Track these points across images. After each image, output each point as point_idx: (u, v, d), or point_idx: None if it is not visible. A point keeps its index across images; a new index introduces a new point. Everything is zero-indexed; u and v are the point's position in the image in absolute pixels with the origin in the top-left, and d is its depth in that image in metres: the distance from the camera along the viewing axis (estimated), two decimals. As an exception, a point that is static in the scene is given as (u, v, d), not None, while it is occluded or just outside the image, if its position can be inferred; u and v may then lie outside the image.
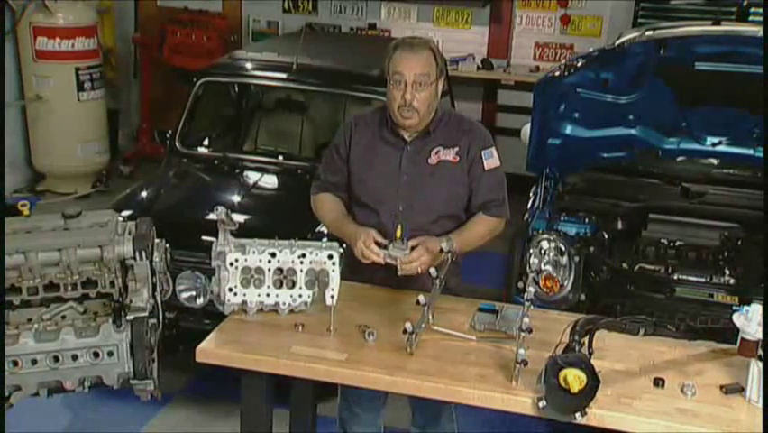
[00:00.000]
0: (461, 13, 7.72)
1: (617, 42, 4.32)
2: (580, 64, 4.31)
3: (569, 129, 4.50)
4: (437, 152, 2.96)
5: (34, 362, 2.45)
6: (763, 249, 3.63)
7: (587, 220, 3.93)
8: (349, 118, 3.22)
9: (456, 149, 2.96)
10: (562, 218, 3.95)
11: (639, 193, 4.34)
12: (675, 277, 3.71)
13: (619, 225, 4.04)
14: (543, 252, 3.75)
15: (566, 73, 4.35)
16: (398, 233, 2.80)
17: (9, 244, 2.50)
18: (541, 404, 2.28)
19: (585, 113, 4.44)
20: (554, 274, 3.71)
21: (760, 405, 2.29)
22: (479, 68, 7.55)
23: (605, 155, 4.56)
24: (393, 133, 2.98)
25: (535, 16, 7.61)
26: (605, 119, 4.47)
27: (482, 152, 2.98)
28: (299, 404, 3.22)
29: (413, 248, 2.79)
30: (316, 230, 3.89)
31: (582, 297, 3.70)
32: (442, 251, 2.80)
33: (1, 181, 2.61)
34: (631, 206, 4.17)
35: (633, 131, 4.49)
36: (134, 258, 2.55)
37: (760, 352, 2.41)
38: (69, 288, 2.56)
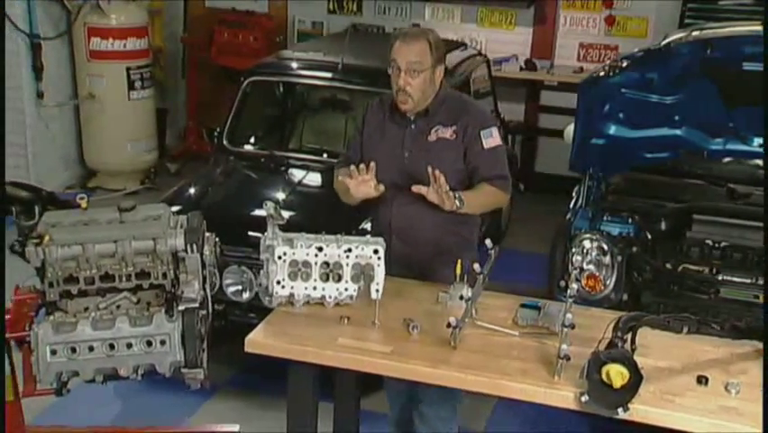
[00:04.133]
0: (505, 13, 7.72)
1: (663, 43, 4.30)
2: (625, 64, 4.30)
3: (613, 129, 4.49)
4: (437, 131, 3.17)
5: (91, 349, 2.54)
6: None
7: (630, 220, 3.92)
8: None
9: (454, 127, 3.16)
10: (605, 218, 3.95)
11: (684, 194, 4.31)
12: (720, 278, 3.69)
13: (663, 226, 4.02)
14: (585, 251, 3.75)
15: (611, 73, 4.35)
16: (458, 269, 2.87)
17: (68, 236, 2.61)
18: (583, 399, 2.30)
19: (629, 113, 4.42)
20: (597, 274, 3.71)
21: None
22: (522, 68, 7.54)
23: (649, 156, 4.54)
24: (399, 113, 3.20)
25: (580, 17, 7.57)
26: (649, 119, 4.44)
27: (481, 132, 3.15)
28: (343, 397, 3.28)
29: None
30: (360, 227, 3.95)
31: (625, 296, 3.70)
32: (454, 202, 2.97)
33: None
34: (675, 206, 4.15)
35: (678, 131, 4.46)
36: (186, 250, 2.63)
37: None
38: (124, 279, 2.65)
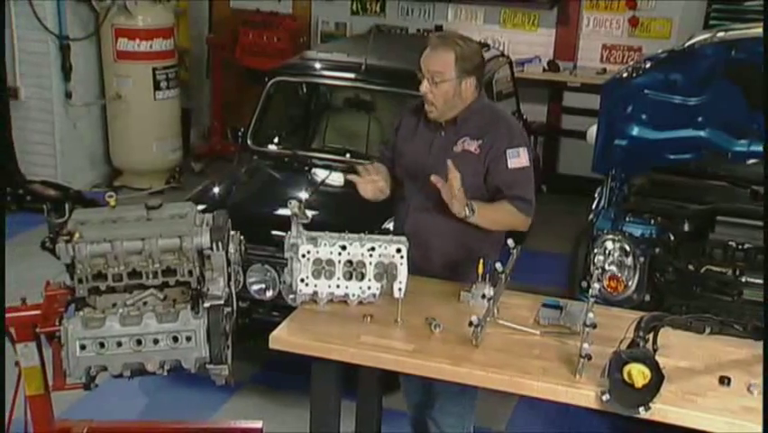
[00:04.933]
0: (527, 15, 7.72)
1: (688, 44, 4.29)
2: (648, 65, 4.30)
3: (636, 130, 4.49)
4: (463, 142, 3.11)
5: (119, 344, 2.59)
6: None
7: (653, 221, 3.92)
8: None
9: (480, 142, 3.09)
10: (627, 219, 3.95)
11: (707, 195, 4.30)
12: (743, 279, 3.67)
13: (686, 227, 4.00)
14: (607, 252, 3.76)
15: (634, 74, 4.35)
16: (480, 268, 2.86)
17: (97, 233, 2.65)
18: (604, 398, 2.31)
19: (653, 114, 4.42)
20: (619, 274, 3.72)
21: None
22: (545, 69, 7.55)
23: (672, 157, 4.53)
24: (431, 119, 3.16)
25: (603, 18, 7.57)
26: (673, 121, 4.44)
27: (507, 151, 3.06)
28: (366, 396, 3.31)
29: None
30: (383, 227, 3.98)
31: (647, 297, 3.70)
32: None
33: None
34: (698, 208, 4.13)
35: (702, 133, 4.46)
36: (211, 248, 2.67)
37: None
38: (151, 275, 2.69)
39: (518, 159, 3.07)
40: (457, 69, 3.02)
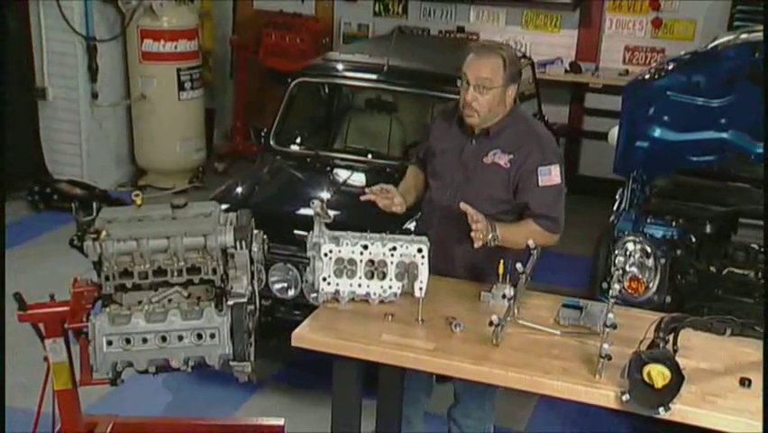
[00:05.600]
0: (549, 16, 7.71)
1: (711, 45, 4.28)
2: (671, 67, 4.29)
3: (657, 132, 4.49)
4: (494, 154, 3.08)
5: (145, 340, 2.65)
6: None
7: (674, 223, 3.92)
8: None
9: (511, 156, 3.06)
10: (648, 221, 3.95)
11: (729, 197, 4.28)
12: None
13: (708, 229, 3.99)
14: (628, 253, 3.76)
15: (656, 76, 4.35)
16: (500, 269, 2.86)
17: (123, 231, 2.71)
18: (624, 398, 2.32)
19: (675, 116, 4.42)
20: (639, 276, 3.72)
21: None
22: (566, 71, 7.54)
23: (694, 159, 4.52)
24: (464, 126, 3.14)
25: (626, 20, 7.55)
26: (695, 122, 4.43)
27: (539, 168, 3.03)
28: (387, 395, 3.33)
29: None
30: (404, 227, 4.00)
31: (668, 299, 3.70)
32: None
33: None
34: (721, 210, 4.12)
35: (724, 134, 4.44)
36: (235, 247, 2.71)
37: None
38: (176, 273, 2.74)
39: (549, 177, 3.04)
40: (505, 75, 2.99)
